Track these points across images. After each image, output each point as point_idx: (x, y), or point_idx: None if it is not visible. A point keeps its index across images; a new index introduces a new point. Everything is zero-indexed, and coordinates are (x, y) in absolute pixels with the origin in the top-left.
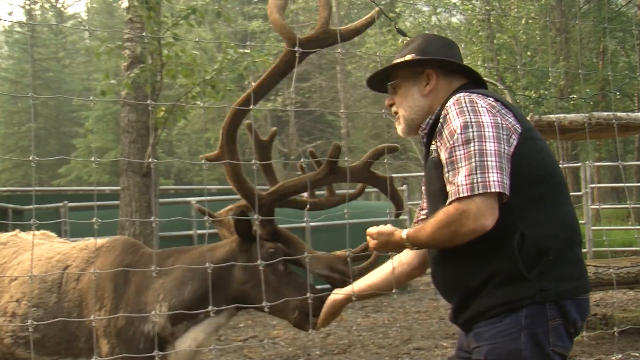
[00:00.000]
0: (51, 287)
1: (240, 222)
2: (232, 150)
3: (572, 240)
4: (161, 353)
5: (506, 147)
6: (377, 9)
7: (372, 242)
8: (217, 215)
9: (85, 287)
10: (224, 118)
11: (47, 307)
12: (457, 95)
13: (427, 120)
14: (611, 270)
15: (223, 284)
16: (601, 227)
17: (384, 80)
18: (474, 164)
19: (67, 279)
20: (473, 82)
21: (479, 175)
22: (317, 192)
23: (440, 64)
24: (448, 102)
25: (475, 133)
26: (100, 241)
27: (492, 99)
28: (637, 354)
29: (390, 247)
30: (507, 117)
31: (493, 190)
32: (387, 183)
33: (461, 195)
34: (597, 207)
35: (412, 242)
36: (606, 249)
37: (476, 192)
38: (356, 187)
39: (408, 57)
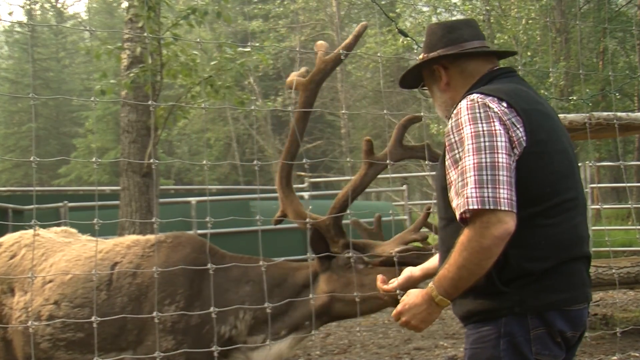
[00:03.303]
0: (98, 285)
1: (315, 246)
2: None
3: (567, 258)
4: (220, 348)
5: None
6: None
7: (402, 321)
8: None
9: (147, 281)
10: (224, 118)
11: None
12: (472, 95)
13: (452, 110)
14: (613, 270)
15: (306, 302)
16: (602, 227)
17: (418, 80)
18: (482, 177)
19: (119, 275)
20: (489, 60)
21: (490, 190)
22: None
23: (440, 58)
24: (462, 101)
25: (487, 143)
26: (153, 236)
27: (505, 105)
28: (637, 355)
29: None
30: (515, 128)
31: (491, 206)
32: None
33: (470, 207)
34: (598, 207)
35: (444, 292)
36: (607, 249)
37: (486, 207)
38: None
39: (420, 58)
